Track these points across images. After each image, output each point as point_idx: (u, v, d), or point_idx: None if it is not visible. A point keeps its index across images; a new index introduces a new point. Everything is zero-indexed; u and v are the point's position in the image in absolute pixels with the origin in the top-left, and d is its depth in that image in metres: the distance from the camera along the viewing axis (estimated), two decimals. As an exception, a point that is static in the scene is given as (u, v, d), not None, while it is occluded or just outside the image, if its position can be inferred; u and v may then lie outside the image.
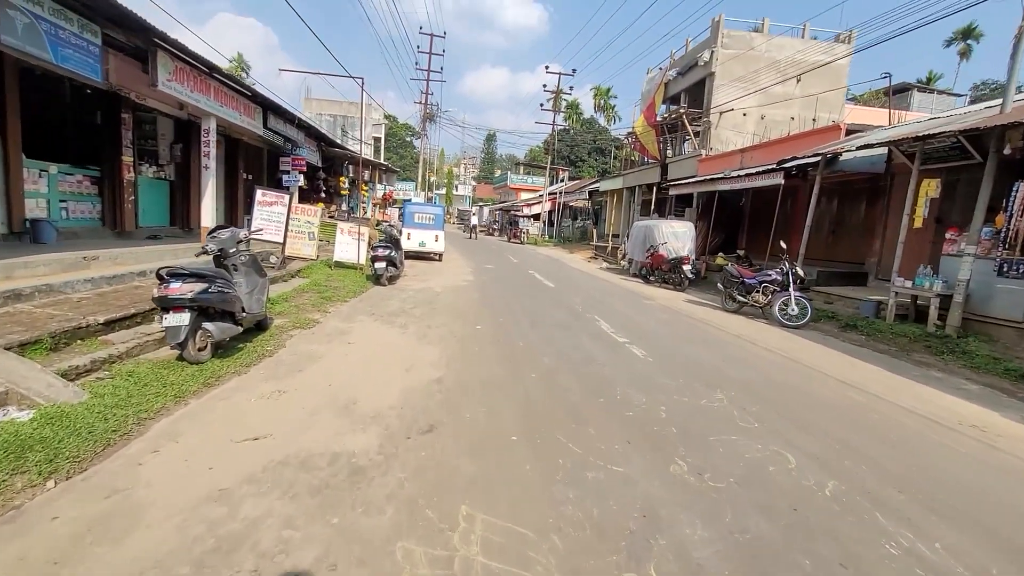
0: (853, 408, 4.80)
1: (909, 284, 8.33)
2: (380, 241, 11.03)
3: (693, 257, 14.00)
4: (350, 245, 11.23)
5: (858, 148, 9.48)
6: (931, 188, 8.14)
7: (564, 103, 45.47)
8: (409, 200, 26.10)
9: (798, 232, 15.83)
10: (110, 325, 4.73)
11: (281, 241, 9.33)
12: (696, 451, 3.52)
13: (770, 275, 9.56)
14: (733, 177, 14.07)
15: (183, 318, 4.34)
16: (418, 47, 37.89)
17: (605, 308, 9.56)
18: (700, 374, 5.49)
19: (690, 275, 13.10)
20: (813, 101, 19.18)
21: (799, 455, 3.59)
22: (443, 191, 70.06)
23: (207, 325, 4.53)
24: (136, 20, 6.08)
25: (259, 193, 9.17)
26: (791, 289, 9.05)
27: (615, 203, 27.92)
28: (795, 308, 8.93)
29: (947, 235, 8.26)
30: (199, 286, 4.45)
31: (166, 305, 4.35)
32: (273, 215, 9.25)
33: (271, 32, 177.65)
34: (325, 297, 8.37)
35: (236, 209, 12.95)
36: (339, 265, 11.38)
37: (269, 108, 10.98)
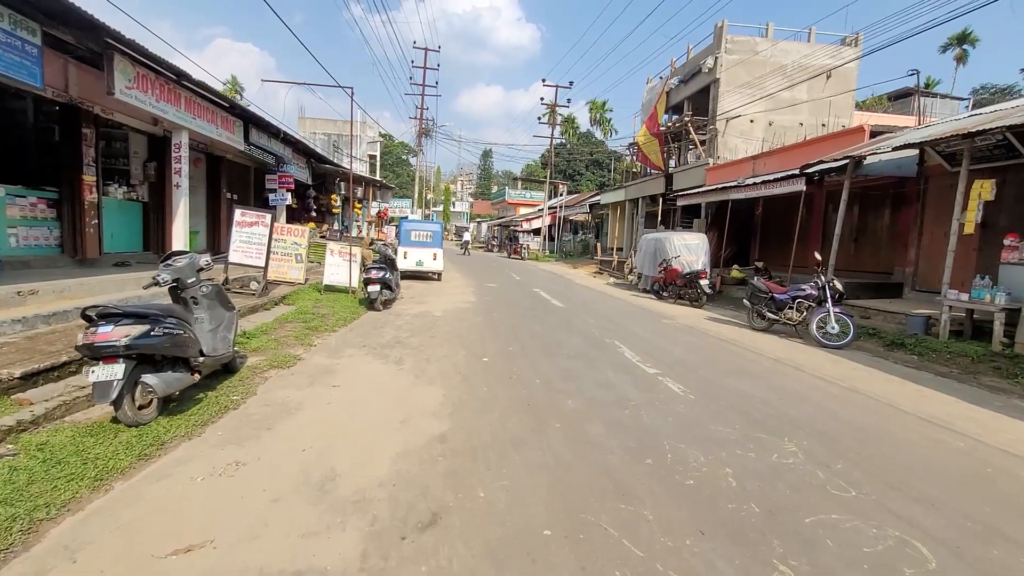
0: (958, 459, 3.86)
1: (965, 297, 7.44)
2: (374, 262, 10.16)
3: (708, 270, 13.13)
4: (341, 267, 10.34)
5: (895, 148, 8.66)
6: (984, 190, 7.31)
7: (561, 117, 45.13)
8: (405, 217, 25.33)
9: (815, 241, 15.06)
10: (31, 379, 3.81)
11: (263, 265, 8.43)
12: (796, 545, 2.58)
13: (804, 290, 8.67)
14: (749, 185, 13.27)
15: (115, 371, 3.42)
16: (412, 62, 37.49)
17: (623, 331, 8.64)
18: (755, 415, 4.56)
19: (708, 290, 12.21)
20: (821, 106, 18.54)
21: (932, 544, 2.65)
22: (440, 208, 69.58)
23: (148, 378, 3.59)
24: (83, 17, 5.27)
25: (237, 212, 8.30)
26: (829, 304, 8.16)
27: (618, 216, 27.18)
28: (835, 326, 8.02)
29: (1005, 241, 7.40)
30: (138, 328, 3.54)
31: (94, 355, 3.43)
32: (254, 236, 8.37)
33: (268, 56, 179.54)
34: (311, 327, 7.45)
35: (219, 231, 12.08)
36: (329, 289, 10.48)
37: (251, 121, 10.17)
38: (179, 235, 8.01)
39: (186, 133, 7.97)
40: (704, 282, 12.12)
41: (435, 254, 15.17)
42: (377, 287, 9.34)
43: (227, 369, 5.02)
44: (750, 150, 17.25)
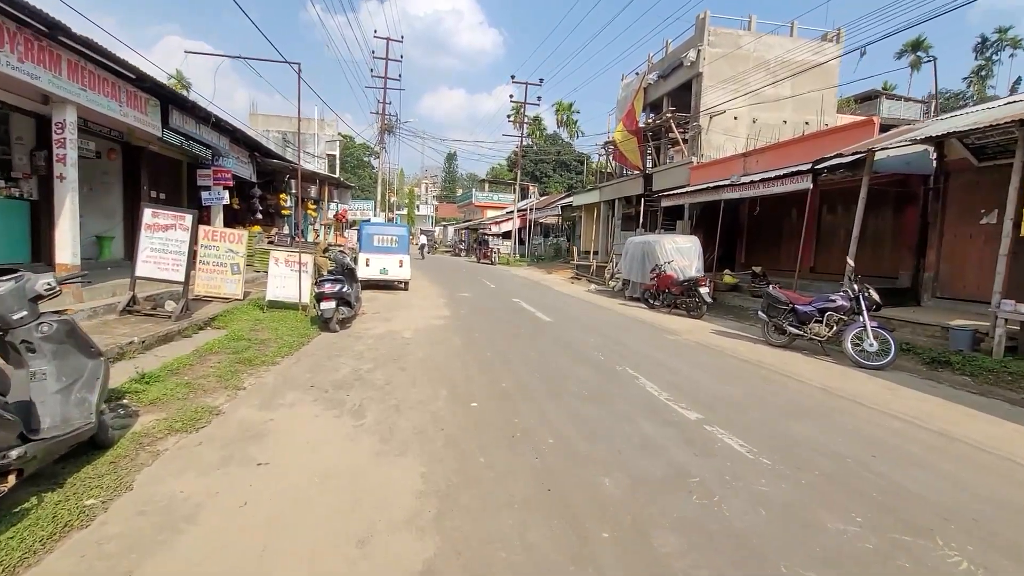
0: None
1: (1025, 308, 6.45)
2: (329, 272, 8.50)
3: (703, 276, 11.99)
4: (288, 279, 8.61)
5: (921, 140, 7.69)
6: (1045, 185, 6.34)
7: (528, 118, 44.00)
8: (367, 220, 23.45)
9: (808, 243, 14.19)
10: None
11: (182, 279, 6.64)
12: None
13: (834, 300, 7.56)
14: (745, 183, 12.25)
15: None
16: (373, 52, 35.35)
17: (631, 353, 7.29)
18: (865, 492, 3.25)
19: (708, 299, 11.06)
20: (804, 104, 17.90)
21: None
22: (404, 211, 67.36)
23: None
24: None
25: (147, 213, 6.50)
26: (865, 318, 7.05)
27: (593, 218, 26.08)
28: (873, 343, 6.92)
29: (1068, 244, 6.45)
30: None
31: None
32: (170, 243, 6.58)
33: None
34: (244, 359, 5.77)
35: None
36: (274, 306, 8.72)
37: (170, 100, 8.27)
38: (65, 241, 6.15)
39: (73, 109, 6.13)
40: (704, 290, 10.96)
41: (401, 261, 13.57)
42: (332, 304, 7.70)
43: (95, 444, 3.35)
44: (736, 148, 16.38)
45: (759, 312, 8.61)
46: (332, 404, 4.58)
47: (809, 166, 10.14)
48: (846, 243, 13.61)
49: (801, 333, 7.79)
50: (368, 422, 4.18)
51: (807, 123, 17.84)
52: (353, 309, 8.45)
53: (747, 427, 4.33)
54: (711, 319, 11.05)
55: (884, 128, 10.63)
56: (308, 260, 8.70)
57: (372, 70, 30.34)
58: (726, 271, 14.55)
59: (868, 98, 28.88)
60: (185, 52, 9.88)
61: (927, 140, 7.78)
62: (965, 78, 54.78)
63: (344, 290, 7.91)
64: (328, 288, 7.74)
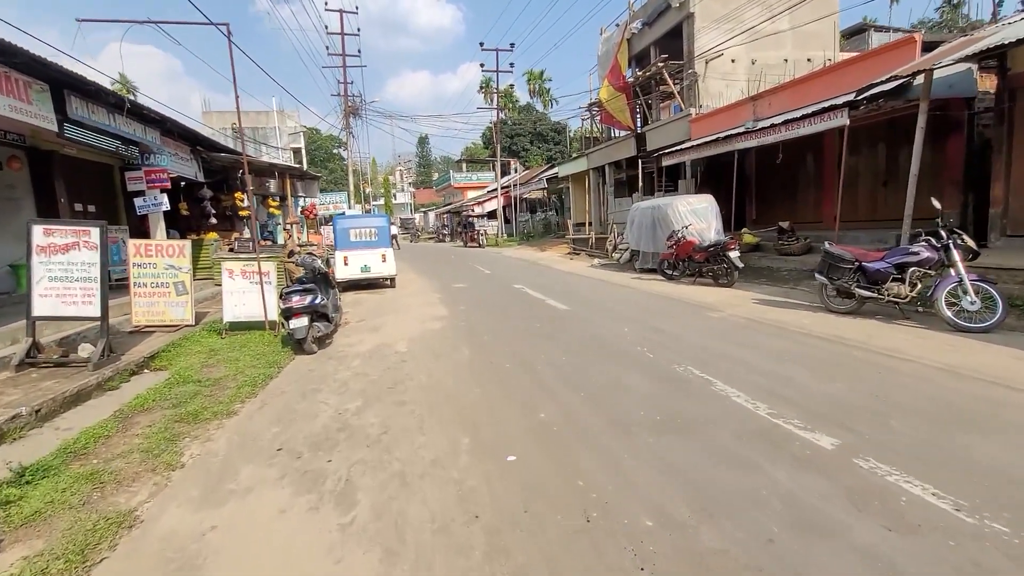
0: None
1: None
2: (297, 280, 6.96)
3: (731, 239, 10.61)
4: (248, 293, 7.05)
5: (1006, 45, 6.28)
6: None
7: (499, 90, 41.84)
8: (342, 213, 21.66)
9: (830, 191, 12.89)
10: None
11: (97, 315, 5.04)
12: None
13: (916, 252, 6.22)
14: (764, 128, 10.79)
15: None
16: (327, 27, 32.67)
17: (681, 344, 5.91)
18: None
19: (739, 264, 9.69)
20: (805, 38, 16.38)
21: None
22: (381, 202, 64.99)
23: None
24: None
25: (36, 231, 4.83)
26: (961, 270, 5.74)
27: (583, 188, 24.53)
28: (974, 299, 5.63)
29: None
30: None
31: None
32: (73, 269, 4.97)
33: (171, 57, 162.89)
34: (187, 414, 4.28)
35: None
36: (236, 328, 7.17)
37: (65, 84, 6.47)
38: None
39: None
40: (734, 254, 9.59)
41: (384, 255, 12.03)
42: (304, 320, 6.19)
43: None
44: (742, 92, 14.88)
45: (816, 274, 7.27)
46: (307, 482, 3.14)
47: (848, 98, 8.70)
48: (872, 186, 12.43)
49: (875, 295, 6.47)
50: (361, 516, 2.74)
51: (809, 59, 16.37)
52: (332, 322, 6.94)
53: (912, 456, 2.98)
54: (743, 286, 9.72)
55: (927, 48, 9.20)
56: (270, 268, 7.12)
57: (328, 48, 27.97)
58: (745, 230, 13.22)
59: (856, 32, 27.43)
60: (77, 20, 7.94)
61: (1017, 43, 6.35)
62: (937, 7, 53.46)
63: (318, 301, 6.39)
64: (297, 301, 6.21)
